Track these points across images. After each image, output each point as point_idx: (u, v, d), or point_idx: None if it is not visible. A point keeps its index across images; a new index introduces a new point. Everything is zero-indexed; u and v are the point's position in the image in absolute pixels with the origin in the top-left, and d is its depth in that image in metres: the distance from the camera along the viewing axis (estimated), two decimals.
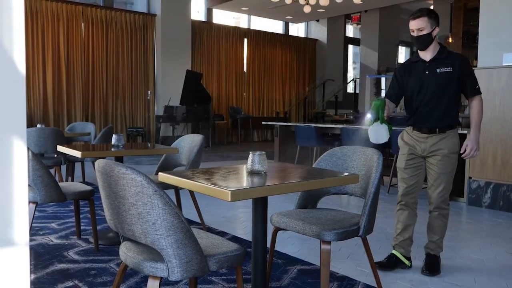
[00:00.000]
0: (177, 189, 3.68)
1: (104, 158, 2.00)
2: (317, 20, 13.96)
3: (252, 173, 2.03)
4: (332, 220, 2.41)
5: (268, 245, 2.47)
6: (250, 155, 2.04)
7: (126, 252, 1.88)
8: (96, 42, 9.75)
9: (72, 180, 5.61)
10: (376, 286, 2.54)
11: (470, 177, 5.08)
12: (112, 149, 3.36)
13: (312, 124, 7.05)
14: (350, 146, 2.76)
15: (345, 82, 15.24)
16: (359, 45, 13.99)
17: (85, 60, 9.62)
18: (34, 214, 3.16)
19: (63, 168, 5.82)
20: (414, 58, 3.05)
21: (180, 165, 3.99)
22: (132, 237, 1.81)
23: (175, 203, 2.95)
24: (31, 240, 3.44)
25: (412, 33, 2.92)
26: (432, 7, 11.90)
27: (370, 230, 2.39)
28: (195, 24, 11.30)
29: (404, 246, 3.03)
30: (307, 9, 9.55)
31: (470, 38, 9.25)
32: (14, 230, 0.99)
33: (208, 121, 10.05)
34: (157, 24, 10.44)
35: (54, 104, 9.27)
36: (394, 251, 3.05)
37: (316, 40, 14.47)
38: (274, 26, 13.82)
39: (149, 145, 4.96)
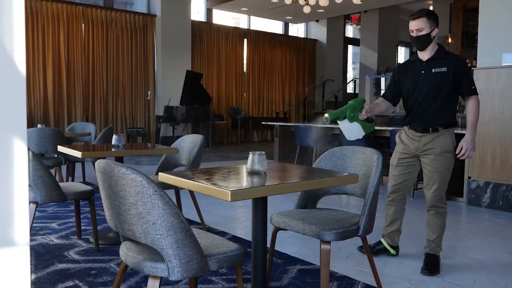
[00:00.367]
0: (177, 189, 3.69)
1: (104, 158, 2.01)
2: (317, 21, 13.95)
3: (252, 173, 2.04)
4: (331, 220, 2.41)
5: (268, 245, 2.47)
6: (250, 155, 2.04)
7: (126, 252, 1.89)
8: (96, 42, 9.75)
9: (73, 180, 5.62)
10: (376, 285, 2.55)
11: (469, 177, 5.08)
12: (112, 149, 3.37)
13: (312, 124, 7.05)
14: (350, 146, 2.76)
15: (344, 82, 15.24)
16: (359, 46, 13.99)
17: (85, 60, 9.62)
18: (34, 214, 3.17)
19: (64, 168, 5.82)
20: (412, 58, 3.09)
21: (180, 165, 4.00)
22: (132, 237, 1.82)
23: (175, 203, 2.95)
24: (31, 240, 3.44)
25: (411, 33, 2.96)
26: (431, 8, 11.90)
27: (369, 230, 2.39)
28: (195, 25, 11.30)
29: (391, 237, 3.26)
30: (306, 9, 9.55)
31: (469, 39, 9.24)
32: (14, 230, 0.99)
33: (208, 121, 10.05)
34: (157, 24, 10.45)
35: (54, 105, 9.27)
36: (382, 240, 3.30)
37: (315, 40, 14.46)
38: (274, 26, 13.82)
39: (149, 145, 4.97)
